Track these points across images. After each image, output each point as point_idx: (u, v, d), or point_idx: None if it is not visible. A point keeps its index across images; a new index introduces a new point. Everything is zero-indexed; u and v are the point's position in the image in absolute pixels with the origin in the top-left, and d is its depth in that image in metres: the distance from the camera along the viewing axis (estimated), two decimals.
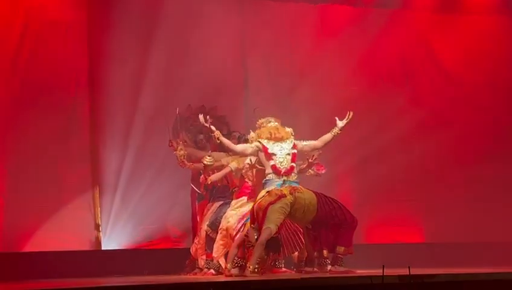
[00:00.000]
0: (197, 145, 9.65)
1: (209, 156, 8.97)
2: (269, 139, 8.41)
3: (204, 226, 9.08)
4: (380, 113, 11.57)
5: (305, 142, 8.51)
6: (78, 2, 10.78)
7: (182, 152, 9.09)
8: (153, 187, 10.58)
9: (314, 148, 8.60)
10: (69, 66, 10.58)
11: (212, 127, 8.36)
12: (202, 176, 9.10)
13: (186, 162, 9.15)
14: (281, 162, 8.33)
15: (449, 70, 12.10)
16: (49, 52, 10.48)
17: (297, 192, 8.18)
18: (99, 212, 10.51)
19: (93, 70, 10.70)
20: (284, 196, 8.10)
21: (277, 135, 8.41)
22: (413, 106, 11.83)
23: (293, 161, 8.37)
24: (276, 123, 8.57)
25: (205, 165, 8.94)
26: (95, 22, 10.75)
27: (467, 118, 11.94)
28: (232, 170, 8.95)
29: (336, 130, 8.49)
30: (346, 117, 8.52)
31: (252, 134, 8.57)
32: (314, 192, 8.33)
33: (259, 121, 8.69)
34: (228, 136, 9.18)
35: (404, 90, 11.97)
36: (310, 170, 8.82)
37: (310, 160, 8.64)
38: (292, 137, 8.49)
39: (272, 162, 8.33)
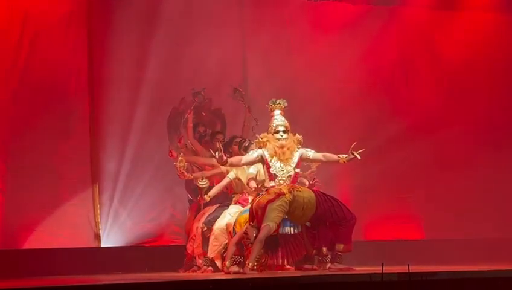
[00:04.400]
0: (194, 137, 9.69)
1: (202, 178, 8.97)
2: (273, 156, 8.34)
3: (201, 224, 9.09)
4: (379, 110, 11.58)
5: (311, 153, 8.37)
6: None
7: (181, 164, 9.05)
8: (152, 185, 10.58)
9: (315, 161, 8.54)
10: (68, 63, 10.56)
11: (224, 157, 8.18)
12: (199, 196, 9.08)
13: (185, 173, 9.11)
14: (281, 184, 8.27)
15: (448, 68, 12.09)
16: (49, 50, 10.45)
17: (296, 190, 8.18)
18: (98, 210, 10.50)
19: (93, 67, 10.68)
20: (283, 194, 8.10)
21: (281, 157, 8.27)
22: (413, 103, 11.85)
23: (293, 182, 8.31)
24: (284, 135, 8.30)
25: (199, 188, 8.94)
26: (94, 20, 10.73)
27: (466, 116, 11.94)
28: (231, 180, 8.96)
29: (343, 159, 8.23)
30: (353, 149, 8.20)
31: (259, 138, 8.47)
32: (312, 190, 8.34)
33: (270, 105, 8.54)
34: (230, 142, 9.21)
35: (404, 87, 11.98)
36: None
37: (311, 182, 8.66)
38: (298, 147, 8.35)
39: (272, 183, 8.27)
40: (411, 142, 11.65)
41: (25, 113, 10.30)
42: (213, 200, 9.27)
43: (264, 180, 8.43)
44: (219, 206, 9.13)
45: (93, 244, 10.45)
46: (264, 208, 8.04)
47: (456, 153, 11.91)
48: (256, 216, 8.12)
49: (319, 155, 8.40)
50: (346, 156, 8.23)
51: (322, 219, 8.23)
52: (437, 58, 12.15)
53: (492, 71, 12.17)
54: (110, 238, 10.49)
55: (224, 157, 8.17)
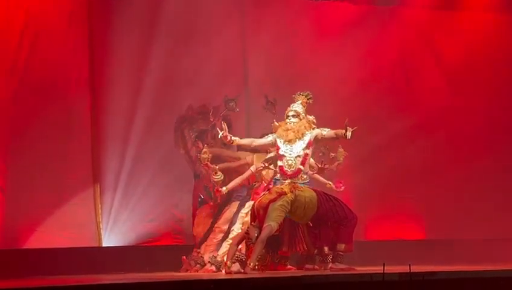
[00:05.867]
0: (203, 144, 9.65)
1: (216, 173, 8.94)
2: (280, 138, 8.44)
3: (226, 226, 9.06)
4: (380, 110, 11.57)
5: (325, 131, 8.52)
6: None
7: (205, 155, 9.00)
8: (153, 184, 10.58)
9: (330, 138, 8.59)
10: (69, 63, 10.55)
11: (229, 136, 8.34)
12: (216, 188, 9.06)
13: (209, 164, 9.02)
14: (290, 165, 8.34)
15: (449, 68, 12.09)
16: (50, 49, 10.44)
17: (298, 190, 8.19)
18: (100, 209, 10.50)
19: (94, 67, 10.67)
20: (285, 193, 8.12)
21: (285, 138, 8.41)
22: (414, 103, 11.85)
23: (302, 163, 8.37)
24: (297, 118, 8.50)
25: (215, 182, 8.93)
26: (95, 19, 10.73)
27: (467, 115, 11.94)
28: (252, 172, 8.96)
29: (343, 133, 8.28)
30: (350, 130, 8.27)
31: (276, 123, 8.60)
32: (314, 190, 8.35)
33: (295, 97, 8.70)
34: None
35: (405, 88, 11.98)
36: (328, 184, 8.86)
37: (320, 165, 8.68)
38: (310, 129, 8.47)
39: (280, 163, 8.37)
40: (412, 141, 11.67)
41: (25, 112, 10.29)
42: (230, 195, 9.26)
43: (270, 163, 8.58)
44: (240, 205, 9.12)
45: (95, 244, 10.45)
46: (265, 207, 8.05)
47: (457, 152, 11.91)
48: (258, 216, 8.13)
49: (332, 132, 8.52)
50: (345, 133, 8.30)
51: (324, 218, 8.24)
52: (437, 58, 12.15)
53: (493, 71, 12.16)
54: (112, 238, 10.49)
55: (229, 137, 8.29)
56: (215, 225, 9.23)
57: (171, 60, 10.77)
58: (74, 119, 10.52)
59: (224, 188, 8.89)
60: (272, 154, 8.79)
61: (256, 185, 9.06)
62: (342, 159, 9.16)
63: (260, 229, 8.05)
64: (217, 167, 9.04)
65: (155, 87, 10.64)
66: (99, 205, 10.50)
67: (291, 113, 8.55)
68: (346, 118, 8.24)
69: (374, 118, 11.46)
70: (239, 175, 9.09)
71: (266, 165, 8.68)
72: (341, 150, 9.09)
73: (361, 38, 11.54)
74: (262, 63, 11.21)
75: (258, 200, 8.22)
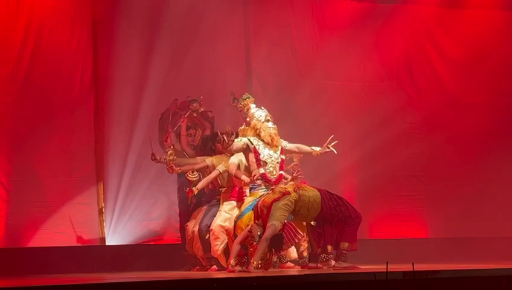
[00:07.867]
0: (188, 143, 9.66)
1: (192, 171, 8.94)
2: (267, 145, 8.41)
3: (196, 228, 9.08)
4: (383, 108, 11.57)
5: (285, 143, 8.62)
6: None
7: (171, 157, 9.01)
8: (157, 183, 10.59)
9: (290, 152, 8.73)
10: (73, 61, 10.58)
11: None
12: (187, 189, 9.07)
13: (174, 167, 9.07)
14: (271, 171, 8.39)
15: (451, 66, 12.08)
16: (54, 48, 10.48)
17: (301, 189, 8.18)
18: (103, 208, 10.51)
19: (98, 66, 10.69)
20: (288, 193, 8.10)
21: (276, 143, 8.46)
22: (417, 101, 11.84)
23: (281, 168, 8.49)
24: (266, 116, 8.53)
25: (190, 181, 8.93)
26: (99, 19, 10.74)
27: (470, 114, 11.92)
28: (220, 172, 8.95)
29: (316, 151, 8.55)
30: (328, 143, 8.47)
31: (246, 127, 8.58)
32: (318, 189, 8.34)
33: (241, 103, 8.70)
34: (213, 139, 9.19)
35: (408, 86, 11.96)
36: None
37: (294, 174, 8.71)
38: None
39: (262, 170, 8.38)
40: (415, 140, 11.66)
41: (29, 113, 10.33)
42: (201, 199, 9.27)
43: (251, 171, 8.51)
44: (210, 206, 9.13)
45: (98, 242, 10.46)
46: (269, 207, 8.03)
47: (460, 151, 11.90)
48: (261, 215, 8.11)
49: (293, 146, 8.70)
50: (320, 149, 8.51)
51: (327, 217, 8.22)
52: (441, 56, 12.13)
53: (495, 69, 12.14)
54: (115, 236, 10.51)
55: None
56: (190, 227, 9.25)
57: (174, 59, 10.78)
58: (77, 119, 10.54)
59: (194, 188, 8.91)
60: (235, 159, 8.71)
61: (223, 191, 9.05)
62: (297, 160, 9.14)
63: (263, 228, 8.04)
64: (179, 169, 9.05)
65: (158, 86, 10.66)
66: (103, 204, 10.51)
67: (271, 118, 8.59)
68: (331, 135, 8.45)
69: (377, 117, 11.46)
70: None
71: (247, 182, 8.60)
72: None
73: (364, 35, 11.54)
74: (265, 60, 11.22)
75: (262, 199, 8.20)
